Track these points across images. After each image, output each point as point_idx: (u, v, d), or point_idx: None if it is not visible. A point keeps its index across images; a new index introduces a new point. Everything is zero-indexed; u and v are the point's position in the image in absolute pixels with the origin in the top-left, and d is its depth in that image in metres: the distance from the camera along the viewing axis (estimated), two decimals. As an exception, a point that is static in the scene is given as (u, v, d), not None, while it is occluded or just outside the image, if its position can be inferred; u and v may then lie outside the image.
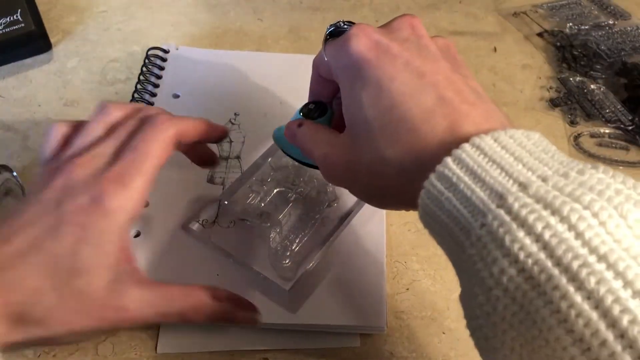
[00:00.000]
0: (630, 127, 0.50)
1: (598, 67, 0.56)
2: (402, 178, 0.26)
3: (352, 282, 0.39)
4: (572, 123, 0.51)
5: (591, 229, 0.19)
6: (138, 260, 0.38)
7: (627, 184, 0.21)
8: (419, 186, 0.25)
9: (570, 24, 0.60)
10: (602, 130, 0.50)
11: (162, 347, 0.37)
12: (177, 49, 0.55)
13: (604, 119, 0.51)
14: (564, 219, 0.20)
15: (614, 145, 0.50)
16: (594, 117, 0.51)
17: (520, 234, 0.20)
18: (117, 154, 0.31)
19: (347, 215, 0.41)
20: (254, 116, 0.49)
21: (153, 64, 0.53)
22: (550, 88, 0.54)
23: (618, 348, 0.17)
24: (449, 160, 0.23)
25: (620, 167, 0.48)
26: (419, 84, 0.27)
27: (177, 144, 0.33)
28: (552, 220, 0.20)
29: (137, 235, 0.41)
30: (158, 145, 0.31)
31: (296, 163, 0.41)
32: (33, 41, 0.54)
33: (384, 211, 0.43)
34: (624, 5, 0.63)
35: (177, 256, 0.39)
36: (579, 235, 0.19)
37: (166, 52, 0.54)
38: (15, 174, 0.42)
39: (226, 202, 0.41)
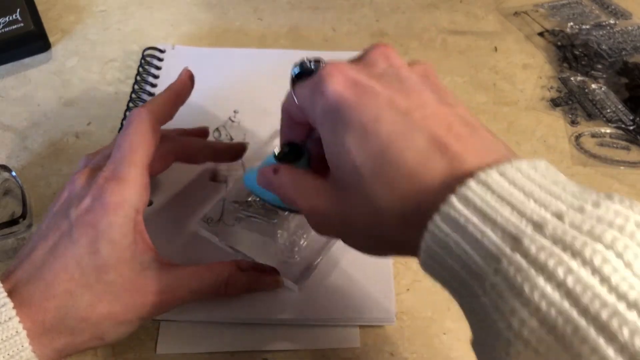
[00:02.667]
0: (631, 127, 0.50)
1: (599, 66, 0.56)
2: (402, 227, 0.24)
3: (360, 275, 0.39)
4: (573, 123, 0.51)
5: (617, 272, 0.18)
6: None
7: None
8: (421, 233, 0.23)
9: (571, 23, 0.60)
10: (603, 130, 0.50)
11: (161, 348, 0.36)
12: (173, 48, 0.55)
13: (605, 119, 0.51)
14: (586, 262, 0.18)
15: (615, 145, 0.49)
16: (595, 117, 0.51)
17: (541, 280, 0.18)
18: (110, 157, 0.33)
19: None
20: (254, 113, 0.49)
21: (150, 64, 0.53)
22: (551, 88, 0.54)
23: None
24: (454, 199, 0.21)
25: (621, 167, 0.47)
26: (407, 124, 0.25)
27: (157, 123, 0.34)
28: (574, 264, 0.18)
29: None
30: (137, 134, 0.33)
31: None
32: (32, 41, 0.54)
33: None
34: (625, 5, 0.62)
35: (183, 255, 0.40)
36: (604, 280, 0.18)
37: (162, 51, 0.54)
38: (14, 173, 0.42)
39: (231, 200, 0.41)
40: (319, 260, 0.38)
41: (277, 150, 0.33)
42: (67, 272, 0.30)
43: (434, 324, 0.38)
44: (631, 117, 0.51)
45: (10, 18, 0.52)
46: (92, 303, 0.30)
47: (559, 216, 0.20)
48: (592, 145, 0.49)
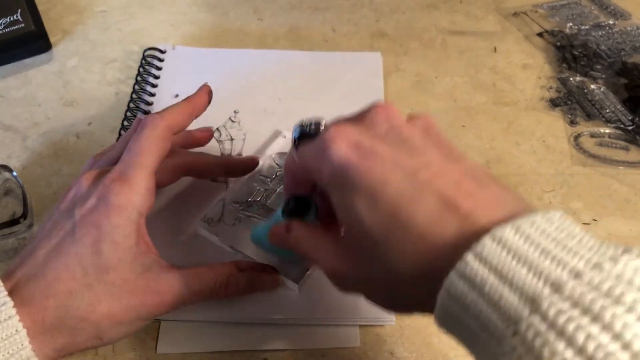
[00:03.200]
0: (630, 127, 0.50)
1: (598, 67, 0.56)
2: (419, 287, 0.24)
3: None
4: (572, 123, 0.51)
5: (638, 338, 0.17)
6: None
7: None
8: (437, 292, 0.23)
9: (571, 24, 0.60)
10: (602, 130, 0.50)
11: (162, 347, 0.36)
12: (173, 49, 0.55)
13: (604, 119, 0.51)
14: (606, 327, 0.18)
15: (614, 145, 0.49)
16: (594, 117, 0.51)
17: (560, 346, 0.18)
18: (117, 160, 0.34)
19: None
20: (254, 113, 0.49)
21: (150, 64, 0.53)
22: (551, 88, 0.54)
23: None
24: (469, 256, 0.21)
25: (621, 167, 0.48)
26: (415, 185, 0.25)
27: (169, 131, 0.35)
28: (594, 330, 0.18)
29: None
30: (150, 140, 0.34)
31: None
32: (33, 41, 0.54)
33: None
34: (624, 5, 0.62)
35: (183, 255, 0.40)
36: (626, 346, 0.17)
37: (163, 52, 0.54)
38: (15, 173, 0.42)
39: (231, 200, 0.41)
40: None
41: (283, 206, 0.34)
42: (68, 271, 0.30)
43: (433, 323, 0.38)
44: (630, 117, 0.51)
45: (11, 18, 0.53)
46: (92, 303, 0.30)
47: (577, 275, 0.19)
48: (592, 146, 0.49)
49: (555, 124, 0.51)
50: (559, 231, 0.21)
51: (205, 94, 0.39)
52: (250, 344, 0.37)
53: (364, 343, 0.37)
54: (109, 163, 0.35)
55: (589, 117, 0.51)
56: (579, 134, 0.50)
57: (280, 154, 0.43)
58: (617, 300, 0.18)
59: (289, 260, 0.37)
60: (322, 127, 0.32)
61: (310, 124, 0.32)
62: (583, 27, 0.60)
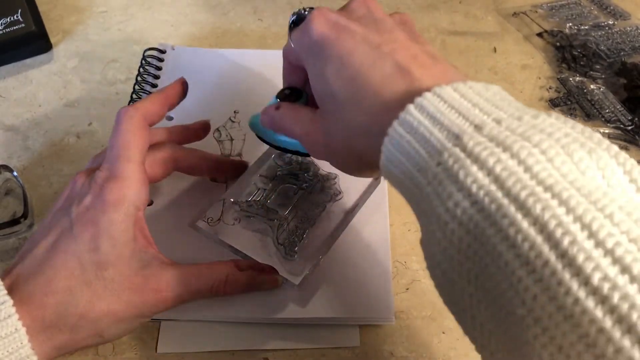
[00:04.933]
0: (629, 127, 0.50)
1: (597, 67, 0.56)
2: (370, 142, 0.27)
3: (359, 275, 0.39)
4: (572, 123, 0.51)
5: (539, 164, 0.21)
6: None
7: (576, 128, 0.22)
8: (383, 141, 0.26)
9: (570, 24, 0.60)
10: (601, 130, 0.50)
11: (162, 347, 0.37)
12: (173, 49, 0.55)
13: (603, 119, 0.51)
14: (514, 155, 0.21)
15: (613, 145, 0.50)
16: (593, 117, 0.51)
17: (474, 168, 0.21)
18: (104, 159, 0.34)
19: (352, 209, 0.42)
20: (254, 113, 0.49)
21: (150, 64, 0.53)
22: (550, 88, 0.54)
23: (559, 266, 0.18)
24: (411, 107, 0.25)
25: (620, 167, 0.48)
26: (377, 54, 0.28)
27: (145, 120, 0.35)
28: (503, 156, 0.21)
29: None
30: (129, 132, 0.34)
31: (299, 158, 0.42)
32: (33, 41, 0.54)
33: (386, 205, 0.43)
34: (623, 6, 0.63)
35: (183, 254, 0.39)
36: (527, 169, 0.20)
37: (163, 52, 0.54)
38: (15, 173, 0.42)
39: (231, 200, 0.41)
40: (318, 259, 0.38)
41: (278, 93, 0.37)
42: (67, 268, 0.30)
43: (433, 323, 0.38)
44: (629, 118, 0.51)
45: (12, 19, 0.53)
46: (92, 300, 0.30)
47: (498, 122, 0.23)
48: (591, 146, 0.49)
49: (554, 124, 0.51)
50: (493, 95, 0.25)
51: (180, 85, 0.39)
52: (250, 344, 0.37)
53: (364, 343, 0.37)
54: (99, 160, 0.35)
55: (588, 117, 0.52)
56: (578, 134, 0.50)
57: (280, 154, 0.43)
58: (527, 139, 0.21)
59: (281, 149, 0.38)
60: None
61: (305, 10, 0.34)
62: (583, 27, 0.60)
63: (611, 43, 0.58)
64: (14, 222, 0.40)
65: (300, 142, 0.34)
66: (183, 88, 0.39)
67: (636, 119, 0.51)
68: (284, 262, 0.38)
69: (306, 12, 0.34)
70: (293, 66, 0.35)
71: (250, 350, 0.37)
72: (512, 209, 0.20)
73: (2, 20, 0.52)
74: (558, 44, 0.58)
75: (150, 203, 0.42)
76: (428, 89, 0.25)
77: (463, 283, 0.22)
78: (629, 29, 0.60)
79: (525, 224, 0.20)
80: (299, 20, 0.34)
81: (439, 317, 0.38)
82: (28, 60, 0.55)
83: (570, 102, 0.53)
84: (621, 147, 0.49)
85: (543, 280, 0.19)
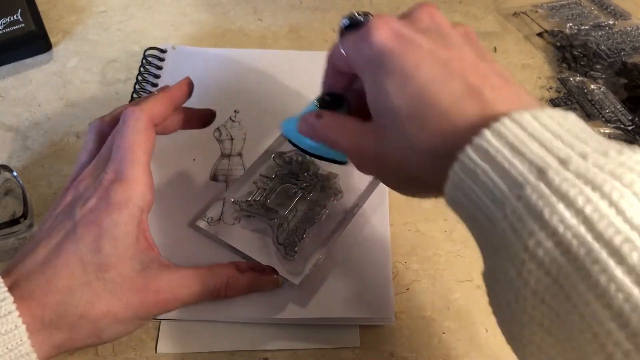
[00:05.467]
0: (630, 127, 0.50)
1: (598, 67, 0.56)
2: (433, 163, 0.26)
3: (359, 275, 0.39)
4: (572, 123, 0.51)
5: (632, 207, 0.19)
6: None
7: None
8: (450, 166, 0.24)
9: (570, 24, 0.60)
10: (602, 130, 0.50)
11: (162, 347, 0.37)
12: (174, 49, 0.55)
13: (603, 119, 0.51)
14: (604, 196, 0.19)
15: (614, 146, 0.50)
16: (594, 117, 0.51)
17: (561, 206, 0.20)
18: (110, 159, 0.33)
19: (353, 209, 0.42)
20: (254, 113, 0.49)
21: (151, 64, 0.53)
22: (550, 88, 0.54)
23: None
24: (487, 132, 0.23)
25: (620, 167, 0.48)
26: (445, 72, 0.26)
27: (151, 122, 0.35)
28: (594, 196, 0.19)
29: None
30: (136, 134, 0.33)
31: (300, 158, 0.42)
32: (33, 41, 0.54)
33: (386, 205, 0.43)
34: (624, 5, 0.63)
35: (184, 254, 0.40)
36: (620, 212, 0.19)
37: (164, 52, 0.54)
38: (15, 173, 0.42)
39: (231, 200, 0.41)
40: (318, 259, 0.38)
41: (317, 98, 0.35)
42: (68, 268, 0.30)
43: (433, 323, 0.38)
44: (630, 118, 0.51)
45: (12, 18, 0.53)
46: (92, 300, 0.30)
47: (584, 156, 0.21)
48: (591, 146, 0.49)
49: (555, 124, 0.51)
50: (573, 125, 0.23)
51: (185, 85, 0.39)
52: (250, 343, 0.37)
53: (364, 343, 0.37)
54: (104, 162, 0.34)
55: (588, 117, 0.52)
56: (578, 134, 0.50)
57: (280, 154, 0.43)
58: (617, 178, 0.20)
59: (317, 156, 0.36)
60: (370, 19, 0.33)
61: (360, 14, 0.33)
62: (583, 27, 0.60)
63: (611, 43, 0.58)
64: (14, 222, 0.40)
65: (348, 155, 0.32)
66: (189, 88, 0.39)
67: (636, 119, 0.51)
68: (284, 262, 0.38)
69: (360, 17, 0.32)
70: (337, 72, 0.33)
71: (250, 350, 0.37)
72: (603, 254, 0.19)
73: (2, 20, 0.52)
74: (558, 44, 0.58)
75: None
76: (504, 114, 0.23)
77: (534, 327, 0.21)
78: (629, 29, 0.60)
79: (619, 272, 0.18)
80: (351, 25, 0.32)
81: (439, 318, 0.38)
82: (28, 60, 0.55)
83: (570, 102, 0.53)
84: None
85: (638, 337, 0.18)
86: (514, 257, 0.21)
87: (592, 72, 0.55)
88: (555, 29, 0.60)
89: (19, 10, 0.53)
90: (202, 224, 0.40)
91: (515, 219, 0.21)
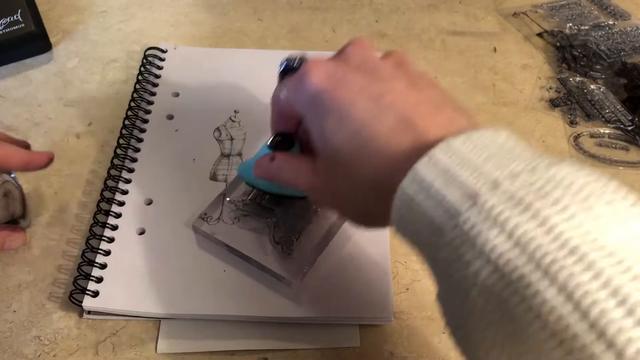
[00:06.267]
0: (630, 127, 0.50)
1: (598, 67, 0.56)
2: (379, 197, 0.26)
3: (359, 275, 0.39)
4: (572, 123, 0.51)
5: (560, 225, 0.19)
6: (144, 257, 0.39)
7: (592, 176, 0.21)
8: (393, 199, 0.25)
9: (570, 24, 0.60)
10: (601, 131, 0.50)
11: (162, 347, 0.37)
12: (174, 49, 0.55)
13: (603, 119, 0.51)
14: (535, 216, 0.20)
15: (613, 146, 0.50)
16: (593, 118, 0.51)
17: (493, 233, 0.20)
18: None
19: None
20: (254, 113, 0.49)
21: (151, 64, 0.53)
22: (550, 88, 0.54)
23: (588, 339, 0.18)
24: (419, 163, 0.23)
25: (620, 167, 0.48)
26: (377, 107, 0.27)
27: None
28: (523, 217, 0.20)
29: (142, 232, 0.41)
30: None
31: None
32: (33, 41, 0.54)
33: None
34: (624, 6, 0.63)
35: (183, 253, 0.40)
36: (549, 230, 0.19)
37: (164, 51, 0.54)
38: (13, 175, 0.42)
39: (229, 199, 0.41)
40: (316, 257, 0.38)
41: (269, 141, 0.35)
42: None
43: (433, 323, 0.38)
44: (630, 118, 0.51)
45: (12, 19, 0.53)
46: None
47: (514, 176, 0.21)
48: (591, 146, 0.49)
49: (554, 124, 0.51)
50: (505, 141, 0.23)
51: (47, 157, 0.39)
52: (250, 343, 0.37)
53: (364, 343, 0.37)
54: None
55: (588, 117, 0.52)
56: (578, 134, 0.50)
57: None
58: (544, 196, 0.20)
59: (276, 195, 0.38)
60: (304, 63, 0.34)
61: (295, 59, 0.34)
62: (583, 28, 0.60)
63: (611, 43, 0.58)
64: (13, 222, 0.40)
65: (307, 193, 0.33)
66: (47, 162, 0.39)
67: (636, 119, 0.51)
68: (282, 260, 0.38)
69: (296, 61, 0.33)
70: (283, 114, 0.34)
71: (250, 350, 0.37)
72: (535, 276, 0.19)
73: (2, 20, 0.52)
74: (558, 44, 0.58)
75: (150, 202, 0.43)
76: (436, 141, 0.24)
77: (487, 345, 0.21)
78: (629, 29, 0.60)
79: (550, 293, 0.18)
80: (288, 70, 0.33)
81: (439, 317, 0.38)
82: (28, 60, 0.55)
83: (570, 102, 0.53)
84: (621, 148, 0.49)
85: (573, 354, 0.18)
86: (457, 286, 0.21)
87: (592, 73, 0.55)
88: (555, 29, 0.60)
89: (19, 11, 0.53)
90: (200, 223, 0.40)
91: (452, 249, 0.21)
